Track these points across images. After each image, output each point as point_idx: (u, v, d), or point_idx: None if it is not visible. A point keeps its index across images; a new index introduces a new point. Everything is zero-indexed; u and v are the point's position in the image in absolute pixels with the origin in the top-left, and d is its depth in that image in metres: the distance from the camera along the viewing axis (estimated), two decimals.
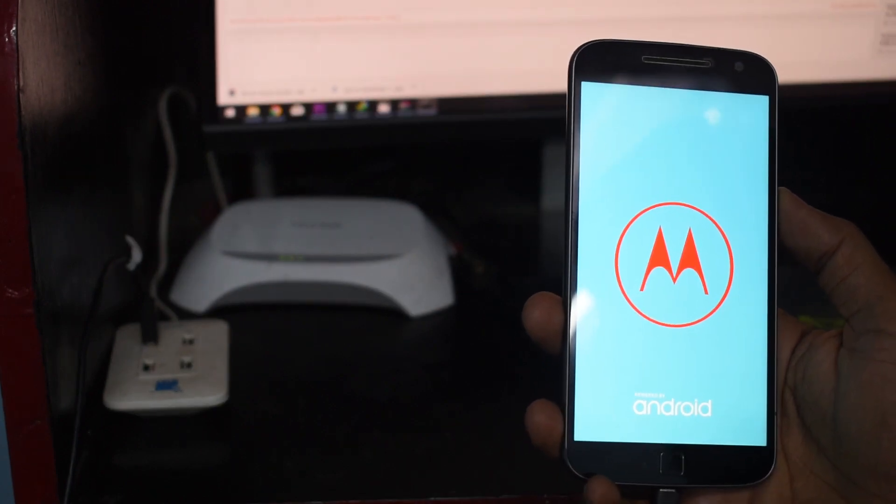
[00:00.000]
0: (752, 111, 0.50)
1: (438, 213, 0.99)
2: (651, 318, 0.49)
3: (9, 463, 0.65)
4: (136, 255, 0.74)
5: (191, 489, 0.69)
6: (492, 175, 1.08)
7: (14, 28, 0.58)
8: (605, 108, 0.49)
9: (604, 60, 0.49)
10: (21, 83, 0.59)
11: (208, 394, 0.74)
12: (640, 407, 0.48)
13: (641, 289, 0.48)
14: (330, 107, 0.88)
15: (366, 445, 0.72)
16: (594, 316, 0.48)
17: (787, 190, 0.49)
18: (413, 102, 0.89)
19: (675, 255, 0.49)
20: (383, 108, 0.88)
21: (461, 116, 0.90)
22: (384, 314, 0.88)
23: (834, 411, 0.47)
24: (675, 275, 0.49)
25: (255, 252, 0.90)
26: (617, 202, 0.49)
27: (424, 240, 0.92)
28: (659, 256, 0.49)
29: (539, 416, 0.47)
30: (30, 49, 0.61)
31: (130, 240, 0.74)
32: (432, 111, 0.89)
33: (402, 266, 0.89)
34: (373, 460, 0.71)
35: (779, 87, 0.50)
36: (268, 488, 0.69)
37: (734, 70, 0.50)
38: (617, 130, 0.49)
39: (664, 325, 0.49)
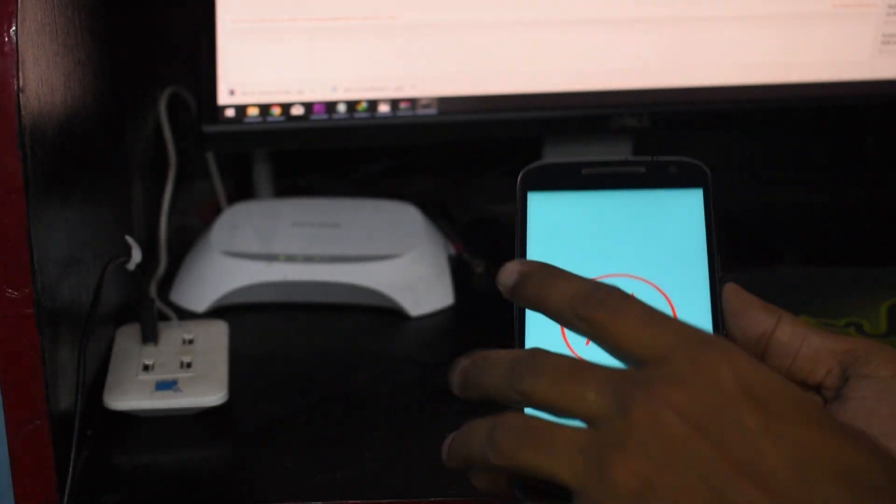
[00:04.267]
0: (688, 203, 0.52)
1: (438, 213, 0.99)
2: None
3: (9, 463, 0.65)
4: (136, 255, 0.74)
5: (191, 489, 0.69)
6: (492, 174, 1.08)
7: (14, 28, 0.58)
8: (550, 212, 0.52)
9: (547, 175, 0.52)
10: (21, 83, 0.59)
11: (208, 394, 0.74)
12: None
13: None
14: (330, 106, 0.88)
15: (366, 445, 0.72)
16: None
17: (730, 283, 0.52)
18: (413, 102, 0.89)
19: None
20: (383, 108, 0.88)
21: (461, 116, 0.90)
22: (384, 314, 0.88)
23: None
24: None
25: (255, 252, 0.89)
26: None
27: (424, 240, 0.91)
28: None
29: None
30: (29, 49, 0.61)
31: (130, 240, 0.74)
32: (432, 111, 0.89)
33: (402, 266, 0.89)
34: (373, 460, 0.71)
35: (711, 178, 0.52)
36: (268, 488, 0.69)
37: (668, 172, 0.52)
38: (562, 231, 0.52)
39: None
